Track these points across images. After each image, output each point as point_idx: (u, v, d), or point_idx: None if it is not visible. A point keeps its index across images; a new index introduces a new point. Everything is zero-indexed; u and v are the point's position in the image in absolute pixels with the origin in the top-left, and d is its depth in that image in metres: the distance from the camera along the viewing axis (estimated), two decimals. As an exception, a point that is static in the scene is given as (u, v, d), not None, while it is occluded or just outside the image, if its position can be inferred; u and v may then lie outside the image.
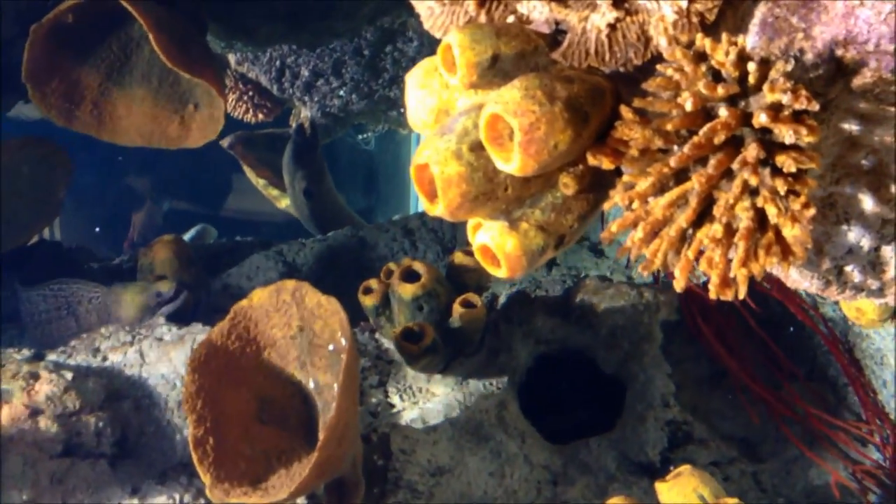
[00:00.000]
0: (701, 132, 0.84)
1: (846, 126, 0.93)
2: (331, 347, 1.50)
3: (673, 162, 0.86)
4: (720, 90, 0.84)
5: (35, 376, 1.59)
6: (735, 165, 0.85)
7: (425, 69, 0.98)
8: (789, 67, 0.85)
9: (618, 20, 0.90)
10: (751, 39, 0.92)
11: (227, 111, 3.60)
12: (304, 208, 3.65)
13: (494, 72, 0.90)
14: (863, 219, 0.96)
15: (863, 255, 0.99)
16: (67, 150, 2.39)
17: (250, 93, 3.87)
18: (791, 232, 0.85)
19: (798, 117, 0.84)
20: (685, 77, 0.86)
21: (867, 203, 0.95)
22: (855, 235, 0.97)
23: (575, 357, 1.90)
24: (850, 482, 1.75)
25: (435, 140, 0.91)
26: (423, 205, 0.93)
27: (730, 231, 0.89)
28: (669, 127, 0.86)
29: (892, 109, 0.89)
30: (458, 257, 1.88)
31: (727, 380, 1.90)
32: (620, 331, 1.85)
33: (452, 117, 0.94)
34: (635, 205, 0.91)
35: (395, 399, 1.79)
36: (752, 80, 0.85)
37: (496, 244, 0.92)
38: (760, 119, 0.83)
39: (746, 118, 0.86)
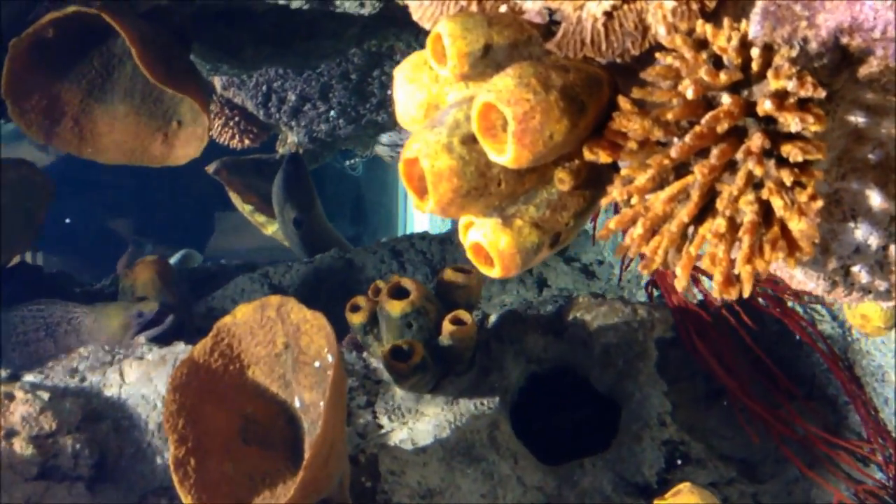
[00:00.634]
0: (703, 120, 0.80)
1: (852, 118, 0.89)
2: (317, 364, 1.44)
3: (674, 152, 0.82)
4: (723, 77, 0.80)
5: (10, 397, 1.53)
6: (739, 155, 0.82)
7: (414, 63, 0.94)
8: (794, 53, 0.82)
9: (614, 8, 0.86)
10: (752, 29, 0.88)
11: (213, 137, 3.58)
12: (295, 237, 3.62)
13: (486, 62, 0.86)
14: (870, 216, 0.93)
15: (870, 255, 0.95)
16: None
17: (236, 118, 3.84)
18: (798, 226, 0.81)
19: (803, 105, 0.80)
20: (685, 64, 0.83)
21: (874, 199, 0.92)
22: (862, 233, 0.94)
23: (568, 376, 1.85)
24: (853, 502, 1.70)
25: (424, 133, 0.87)
26: (412, 202, 0.89)
27: (733, 226, 0.85)
28: (670, 116, 0.82)
29: (900, 100, 0.86)
30: (448, 274, 1.83)
31: (724, 398, 1.85)
32: (614, 348, 1.81)
33: (443, 110, 0.91)
34: (634, 200, 0.87)
35: (383, 419, 1.74)
36: (755, 66, 0.81)
37: (489, 242, 0.88)
38: (765, 106, 0.79)
39: (749, 107, 0.83)
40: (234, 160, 4.01)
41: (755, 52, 0.81)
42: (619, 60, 0.89)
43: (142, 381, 1.65)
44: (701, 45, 0.83)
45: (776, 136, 0.82)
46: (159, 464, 1.62)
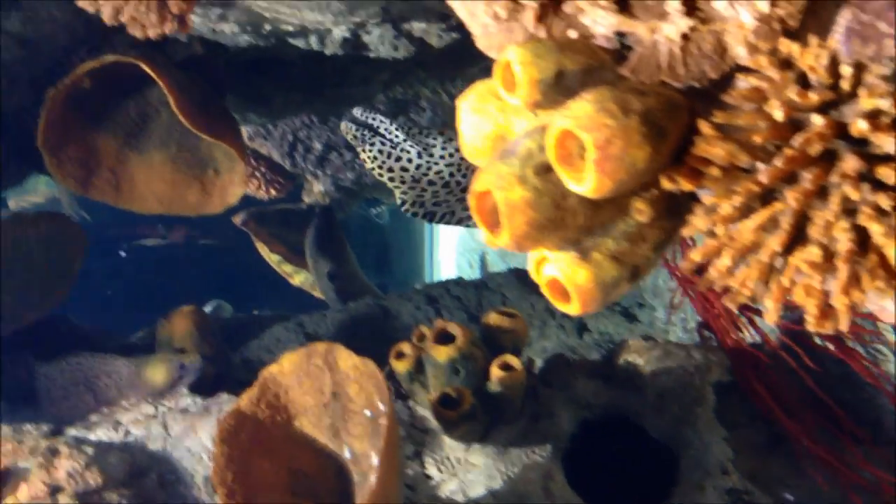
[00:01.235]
0: (795, 143, 0.76)
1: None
2: (367, 413, 1.39)
3: (764, 177, 0.77)
4: (814, 97, 0.76)
5: (55, 452, 1.48)
6: (834, 178, 0.77)
7: (479, 93, 0.91)
8: (887, 71, 0.77)
9: (692, 29, 0.82)
10: (836, 48, 0.84)
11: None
12: (330, 291, 3.59)
13: (559, 89, 0.83)
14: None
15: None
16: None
17: (262, 168, 3.84)
18: (898, 253, 0.76)
19: (898, 125, 0.75)
20: (772, 85, 0.78)
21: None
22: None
23: (621, 422, 1.78)
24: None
25: (496, 165, 0.82)
26: (483, 237, 0.84)
27: (827, 255, 0.80)
28: (758, 139, 0.77)
29: None
30: (493, 317, 1.77)
31: (786, 444, 1.77)
32: (669, 393, 1.74)
33: (512, 141, 0.87)
34: (718, 229, 0.83)
35: (432, 470, 1.67)
36: (846, 85, 0.77)
37: (566, 277, 0.83)
38: (859, 126, 0.75)
39: (839, 128, 0.78)
40: (261, 210, 4.01)
41: (846, 71, 0.77)
42: (696, 84, 0.85)
43: (186, 433, 1.60)
44: (786, 65, 0.79)
45: (869, 158, 0.78)
46: (205, 519, 1.57)
